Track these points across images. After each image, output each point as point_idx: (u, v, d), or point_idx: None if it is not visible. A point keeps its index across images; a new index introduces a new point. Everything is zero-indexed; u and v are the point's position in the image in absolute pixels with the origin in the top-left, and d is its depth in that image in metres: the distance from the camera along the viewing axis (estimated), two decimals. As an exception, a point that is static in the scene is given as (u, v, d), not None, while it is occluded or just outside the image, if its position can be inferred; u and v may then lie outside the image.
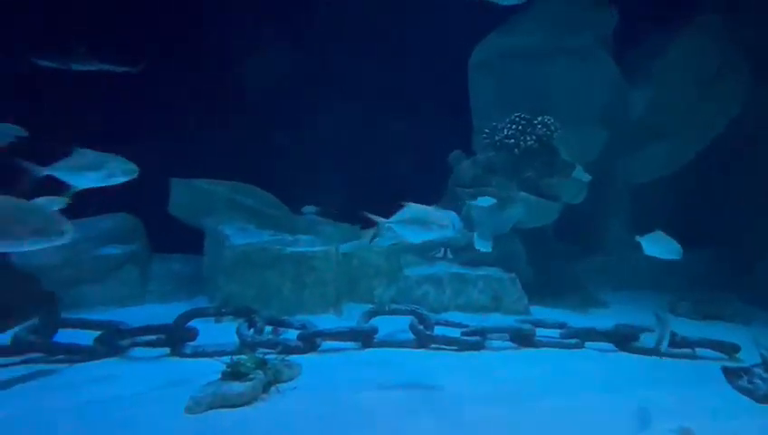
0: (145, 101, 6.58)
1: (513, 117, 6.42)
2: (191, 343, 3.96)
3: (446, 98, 8.06)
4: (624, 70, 6.97)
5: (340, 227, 6.36)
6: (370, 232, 6.71)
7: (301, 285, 5.07)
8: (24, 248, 2.48)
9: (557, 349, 4.59)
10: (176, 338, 3.93)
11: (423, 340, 4.36)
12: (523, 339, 4.59)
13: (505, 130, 6.41)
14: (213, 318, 4.56)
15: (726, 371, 3.95)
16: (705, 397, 3.54)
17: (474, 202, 5.66)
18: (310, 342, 3.98)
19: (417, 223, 3.40)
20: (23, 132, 4.21)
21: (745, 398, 3.62)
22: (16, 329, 3.62)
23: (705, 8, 7.16)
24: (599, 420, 3.10)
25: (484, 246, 5.06)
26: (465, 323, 4.69)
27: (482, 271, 6.08)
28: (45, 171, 3.08)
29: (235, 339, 3.95)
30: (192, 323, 4.02)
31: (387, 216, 6.88)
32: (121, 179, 3.26)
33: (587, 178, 6.22)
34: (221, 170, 6.12)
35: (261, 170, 6.95)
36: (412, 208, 3.45)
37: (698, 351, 4.61)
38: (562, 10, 7.20)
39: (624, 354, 4.57)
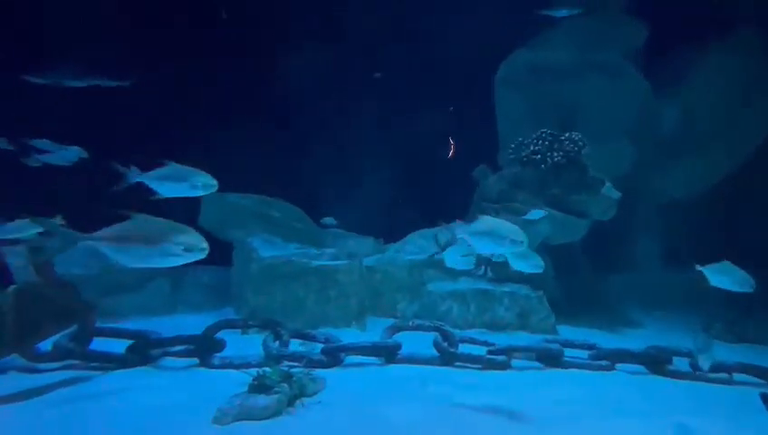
0: (175, 115, 6.85)
1: (539, 133, 6.38)
2: (219, 354, 4.04)
3: (471, 112, 8.09)
4: (654, 84, 6.85)
5: (364, 241, 6.41)
6: (395, 245, 6.78)
7: (325, 298, 5.11)
8: (176, 263, 2.92)
9: (586, 370, 4.47)
10: (204, 349, 4.01)
11: (447, 357, 4.32)
12: (550, 359, 4.49)
13: (532, 146, 6.38)
14: (240, 329, 4.64)
15: (766, 398, 3.76)
16: (742, 425, 3.38)
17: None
18: (334, 356, 4.00)
19: (490, 235, 3.33)
20: (85, 154, 4.48)
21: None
22: (58, 336, 3.78)
23: (739, 23, 7.00)
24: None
25: (527, 267, 4.44)
26: (491, 341, 4.62)
27: (507, 288, 6.00)
28: (137, 178, 3.39)
29: (261, 351, 4.00)
30: (220, 335, 4.10)
31: (410, 229, 6.89)
32: (202, 192, 3.48)
33: (616, 194, 6.10)
34: (249, 184, 6.28)
35: (289, 183, 7.11)
36: (487, 221, 3.43)
37: (735, 376, 4.41)
38: (591, 26, 7.16)
39: (656, 378, 4.42)
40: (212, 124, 7.16)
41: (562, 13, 5.93)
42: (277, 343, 4.09)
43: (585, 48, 7.02)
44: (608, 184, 6.14)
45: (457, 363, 4.34)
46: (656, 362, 4.49)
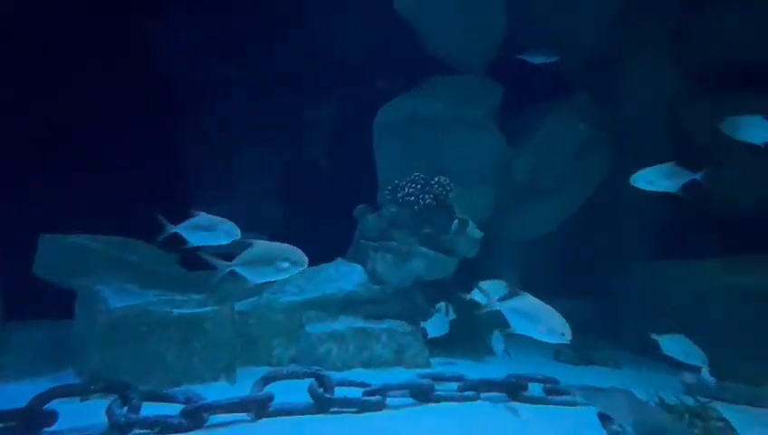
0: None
1: (413, 176, 6.82)
2: (49, 429, 3.40)
3: (351, 153, 8.36)
4: (509, 138, 7.83)
5: (237, 283, 6.01)
6: (273, 286, 6.52)
7: (189, 351, 4.64)
8: (286, 276, 3.68)
9: (455, 402, 4.71)
10: (29, 424, 3.35)
11: (322, 404, 4.21)
12: (423, 395, 4.65)
13: (406, 188, 6.77)
14: (79, 397, 3.97)
15: (601, 416, 4.30)
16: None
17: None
18: (195, 417, 3.62)
19: (531, 320, 3.36)
20: None
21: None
22: None
23: (574, 88, 8.41)
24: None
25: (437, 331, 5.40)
26: (367, 381, 4.63)
27: (385, 325, 6.13)
28: (174, 229, 3.90)
29: (105, 420, 3.47)
30: (51, 405, 3.47)
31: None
32: (225, 240, 3.91)
33: (479, 234, 6.71)
34: (98, 224, 5.46)
35: (150, 222, 6.44)
36: (528, 301, 3.45)
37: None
38: (457, 83, 8.02)
39: (515, 404, 4.81)
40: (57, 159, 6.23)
41: (540, 59, 6.46)
42: (125, 408, 3.58)
43: (453, 102, 7.79)
44: (472, 224, 6.73)
45: (333, 409, 4.26)
46: (514, 389, 4.91)
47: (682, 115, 7.71)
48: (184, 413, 3.60)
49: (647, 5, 7.74)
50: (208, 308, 4.83)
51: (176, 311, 4.63)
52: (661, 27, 7.85)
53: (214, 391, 4.29)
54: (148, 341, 4.48)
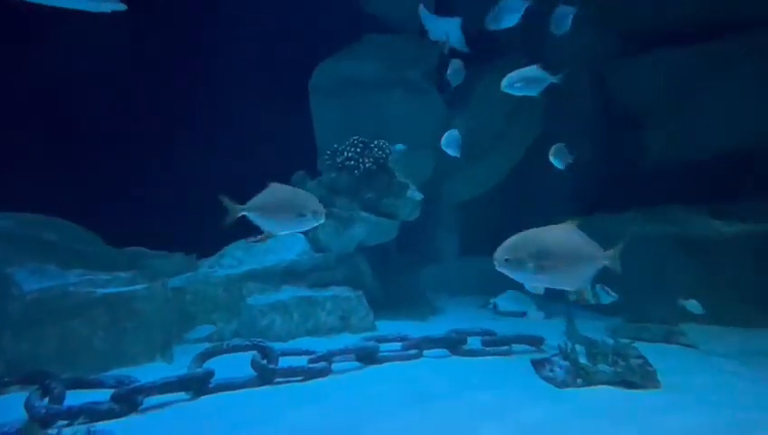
0: None
1: (352, 140, 6.68)
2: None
3: (288, 118, 8.02)
4: (446, 100, 7.84)
5: (171, 259, 5.71)
6: (210, 260, 6.25)
7: (119, 333, 4.36)
8: (306, 228, 3.33)
9: (399, 362, 4.83)
10: (-70, 426, 3.01)
11: (266, 375, 4.15)
12: (367, 357, 4.72)
13: (346, 153, 6.63)
14: (-8, 390, 3.63)
15: (534, 362, 4.61)
16: (517, 389, 4.08)
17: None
18: (128, 401, 3.44)
19: None
20: None
21: (550, 385, 4.26)
22: None
23: (506, 51, 8.47)
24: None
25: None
26: (312, 349, 4.63)
27: (329, 292, 6.12)
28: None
29: (24, 413, 3.20)
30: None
31: (227, 241, 6.45)
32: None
33: (419, 196, 6.77)
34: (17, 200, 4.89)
35: (71, 197, 5.86)
36: None
37: (514, 347, 5.29)
38: (394, 43, 7.82)
39: (455, 358, 5.02)
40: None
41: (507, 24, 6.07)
42: (46, 399, 3.31)
43: (390, 64, 7.62)
44: (412, 187, 6.77)
45: (278, 380, 4.22)
46: (454, 344, 5.12)
47: (606, 74, 8.01)
48: (115, 398, 3.40)
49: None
50: (138, 286, 4.52)
51: (100, 291, 4.29)
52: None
53: (149, 373, 4.09)
54: (72, 324, 4.14)
